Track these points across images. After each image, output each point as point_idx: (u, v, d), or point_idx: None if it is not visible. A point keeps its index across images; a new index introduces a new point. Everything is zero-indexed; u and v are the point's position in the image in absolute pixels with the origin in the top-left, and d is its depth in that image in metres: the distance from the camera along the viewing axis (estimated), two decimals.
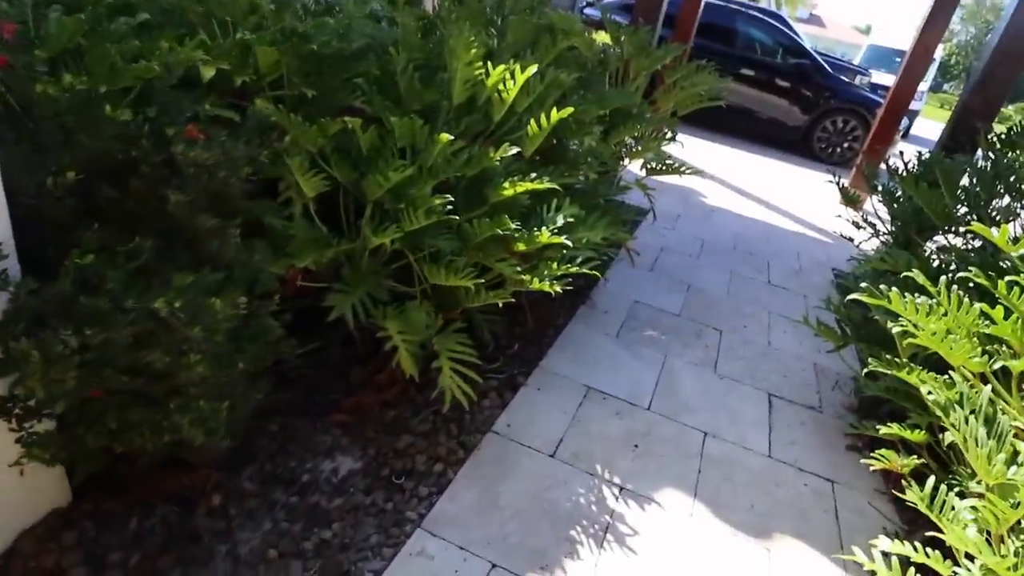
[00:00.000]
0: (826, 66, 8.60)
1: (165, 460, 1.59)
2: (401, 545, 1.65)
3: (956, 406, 1.27)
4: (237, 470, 1.79)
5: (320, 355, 2.23)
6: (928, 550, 1.25)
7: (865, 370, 1.85)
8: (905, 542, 1.26)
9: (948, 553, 1.30)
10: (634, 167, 3.33)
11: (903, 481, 1.41)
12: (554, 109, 2.07)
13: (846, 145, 8.73)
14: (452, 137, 1.82)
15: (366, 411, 2.09)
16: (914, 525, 1.77)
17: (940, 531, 1.32)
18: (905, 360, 1.71)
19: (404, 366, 1.88)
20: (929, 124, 21.83)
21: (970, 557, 1.22)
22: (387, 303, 2.00)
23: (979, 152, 3.65)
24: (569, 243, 1.94)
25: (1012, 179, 2.59)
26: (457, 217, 1.83)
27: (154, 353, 1.25)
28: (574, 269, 2.02)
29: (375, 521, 1.72)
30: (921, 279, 1.62)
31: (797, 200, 6.29)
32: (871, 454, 1.76)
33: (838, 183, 3.83)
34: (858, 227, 3.97)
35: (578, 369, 2.53)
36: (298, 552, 1.60)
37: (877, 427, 1.80)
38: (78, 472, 1.55)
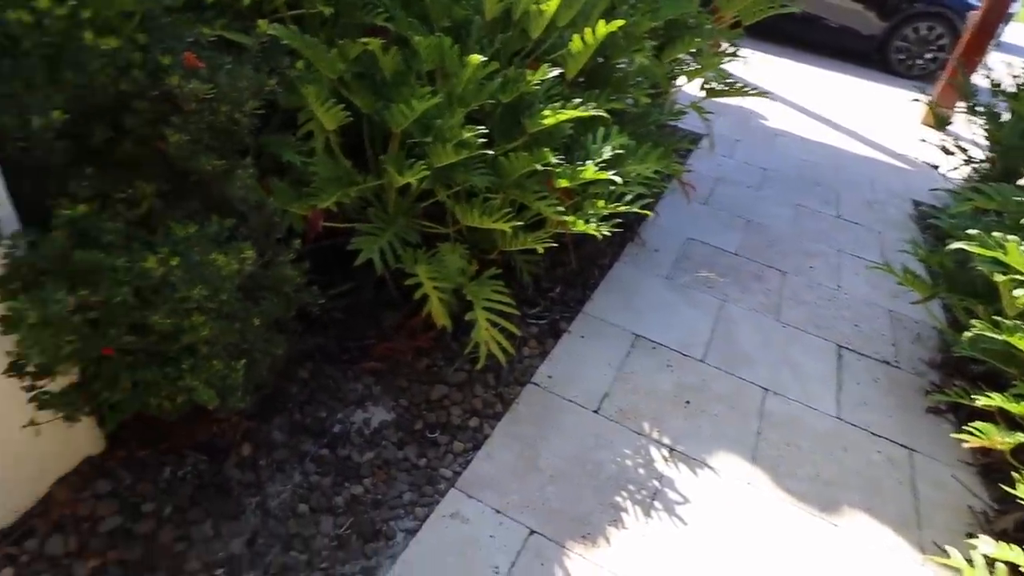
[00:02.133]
0: None
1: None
2: (435, 505, 1.57)
3: None
4: (267, 419, 1.72)
5: (352, 297, 2.12)
6: None
7: (967, 333, 1.61)
8: (1013, 547, 1.07)
9: None
10: (689, 87, 2.98)
11: (1014, 475, 1.21)
12: (600, 22, 1.79)
13: (929, 56, 7.77)
14: (484, 59, 1.58)
15: (399, 358, 1.98)
16: (1005, 503, 1.57)
17: None
18: (1014, 322, 1.45)
19: (435, 316, 1.75)
20: (1022, 29, 19.41)
21: None
22: (418, 246, 1.84)
23: None
24: (618, 179, 1.72)
25: None
26: (491, 152, 1.63)
27: (157, 314, 1.14)
28: (623, 208, 1.80)
29: (408, 478, 1.64)
30: None
31: (870, 121, 5.68)
32: (964, 427, 1.54)
33: (929, 102, 3.37)
34: (947, 152, 3.53)
35: (625, 315, 2.35)
36: (329, 507, 1.54)
37: (972, 395, 1.57)
38: (108, 421, 1.51)
